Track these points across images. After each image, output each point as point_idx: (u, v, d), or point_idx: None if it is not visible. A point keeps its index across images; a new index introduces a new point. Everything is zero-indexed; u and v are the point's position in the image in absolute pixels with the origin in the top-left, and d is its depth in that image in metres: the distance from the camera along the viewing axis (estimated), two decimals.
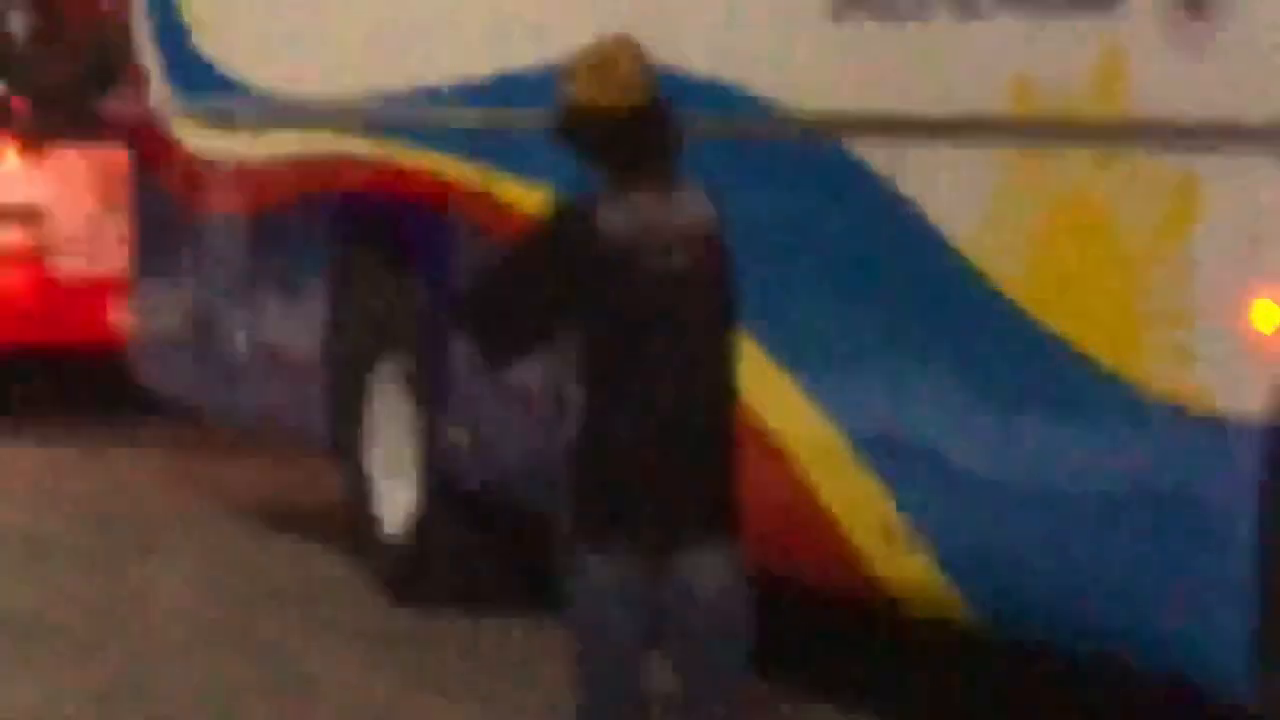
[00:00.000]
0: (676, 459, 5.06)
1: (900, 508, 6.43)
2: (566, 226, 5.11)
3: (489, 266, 5.39)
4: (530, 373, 7.86)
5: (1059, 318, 5.99)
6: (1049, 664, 6.76)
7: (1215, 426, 5.57)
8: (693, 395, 5.09)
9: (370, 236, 8.74)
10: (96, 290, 12.21)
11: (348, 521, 9.07)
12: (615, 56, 5.19)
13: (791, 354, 6.74)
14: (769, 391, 6.62)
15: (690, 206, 5.18)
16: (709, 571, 5.07)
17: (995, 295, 6.13)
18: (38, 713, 7.34)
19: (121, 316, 10.93)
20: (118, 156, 11.06)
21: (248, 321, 9.50)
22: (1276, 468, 5.46)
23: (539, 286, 5.09)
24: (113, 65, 11.86)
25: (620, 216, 5.06)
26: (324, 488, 9.78)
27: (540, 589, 8.21)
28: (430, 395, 8.48)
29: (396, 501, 8.70)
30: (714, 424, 5.14)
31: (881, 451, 6.51)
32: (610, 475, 5.07)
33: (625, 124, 5.11)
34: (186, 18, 9.87)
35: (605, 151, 5.14)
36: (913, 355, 6.42)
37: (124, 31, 10.53)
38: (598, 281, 5.04)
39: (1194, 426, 5.62)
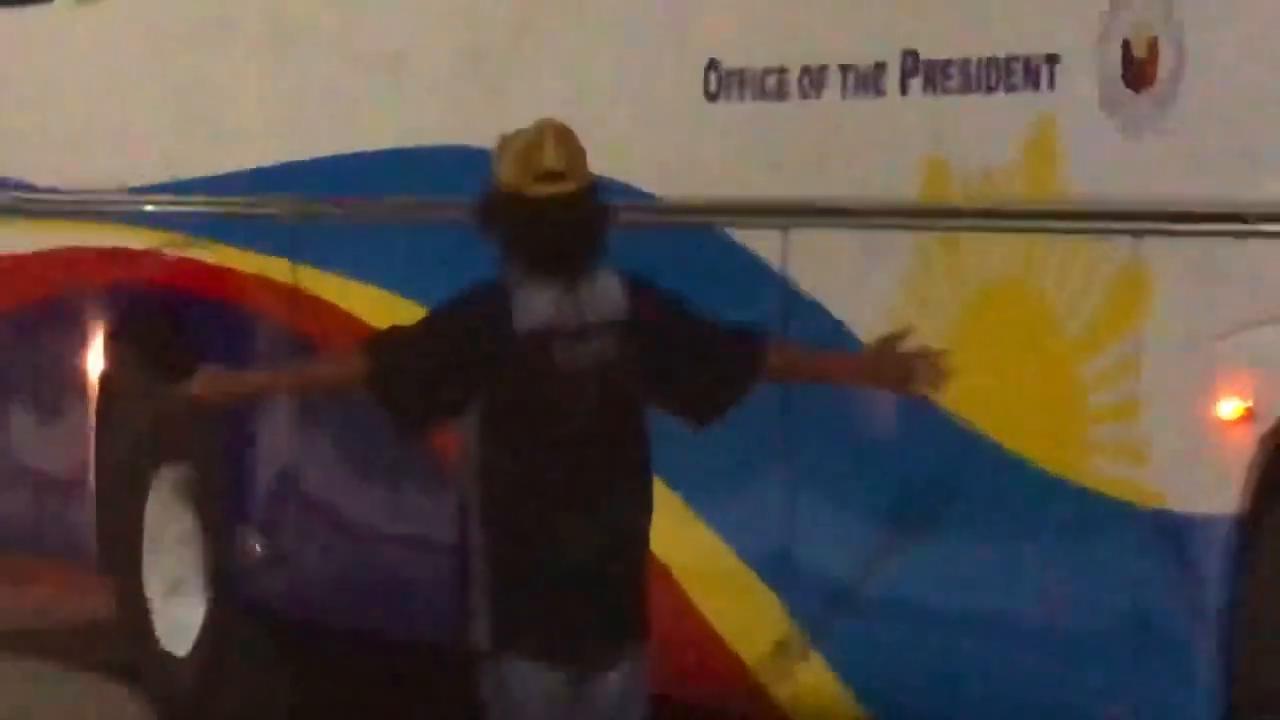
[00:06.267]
0: (587, 564, 4.00)
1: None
2: (483, 309, 4.03)
3: (400, 333, 4.18)
4: (332, 480, 6.21)
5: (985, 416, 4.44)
6: None
7: (1174, 529, 4.06)
8: (602, 496, 4.02)
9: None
10: None
11: (120, 644, 6.91)
12: (541, 142, 4.02)
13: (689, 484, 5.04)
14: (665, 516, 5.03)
15: (601, 296, 4.05)
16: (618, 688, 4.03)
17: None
18: None
19: None
20: None
21: None
22: (1245, 568, 3.98)
23: (455, 359, 4.03)
24: None
25: (536, 307, 4.00)
26: (87, 609, 7.71)
27: (344, 712, 6.43)
28: (217, 505, 6.44)
29: (178, 619, 6.60)
30: (627, 526, 4.05)
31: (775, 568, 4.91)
32: (530, 577, 4.01)
33: (548, 213, 3.99)
34: None
35: (525, 242, 4.01)
36: (813, 466, 4.82)
37: None
38: (511, 371, 4.00)
39: (1151, 530, 4.11)
